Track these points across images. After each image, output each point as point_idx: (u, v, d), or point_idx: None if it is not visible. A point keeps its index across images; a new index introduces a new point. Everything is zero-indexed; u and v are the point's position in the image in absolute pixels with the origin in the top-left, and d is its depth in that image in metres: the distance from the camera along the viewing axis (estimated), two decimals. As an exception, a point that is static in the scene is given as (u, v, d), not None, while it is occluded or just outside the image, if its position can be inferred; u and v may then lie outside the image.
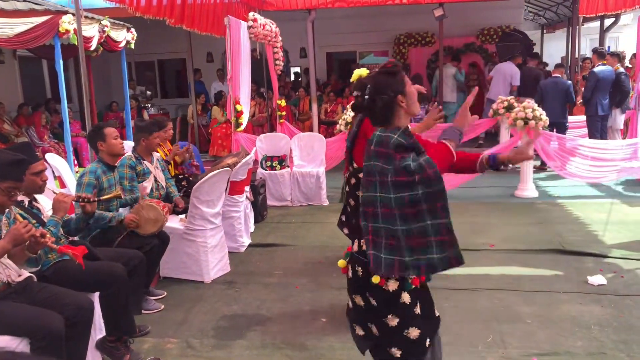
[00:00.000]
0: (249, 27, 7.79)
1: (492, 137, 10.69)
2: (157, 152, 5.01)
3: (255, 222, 6.28)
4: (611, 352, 3.36)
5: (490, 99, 9.76)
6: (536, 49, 14.19)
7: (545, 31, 16.44)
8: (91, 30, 7.31)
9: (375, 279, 2.19)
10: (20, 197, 3.15)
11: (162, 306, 4.24)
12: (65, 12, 6.77)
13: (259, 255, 5.40)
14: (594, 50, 8.96)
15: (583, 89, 8.85)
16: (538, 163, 8.26)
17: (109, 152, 4.03)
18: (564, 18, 14.18)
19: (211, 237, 4.71)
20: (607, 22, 11.55)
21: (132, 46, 9.10)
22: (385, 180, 2.08)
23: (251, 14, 8.01)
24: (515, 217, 6.31)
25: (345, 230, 2.95)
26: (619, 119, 8.53)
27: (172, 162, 5.46)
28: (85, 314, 2.96)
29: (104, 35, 7.78)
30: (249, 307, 4.23)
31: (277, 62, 9.29)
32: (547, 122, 6.99)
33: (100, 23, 7.65)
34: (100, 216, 3.85)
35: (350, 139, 2.60)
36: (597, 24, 11.91)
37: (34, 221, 3.10)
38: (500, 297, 4.20)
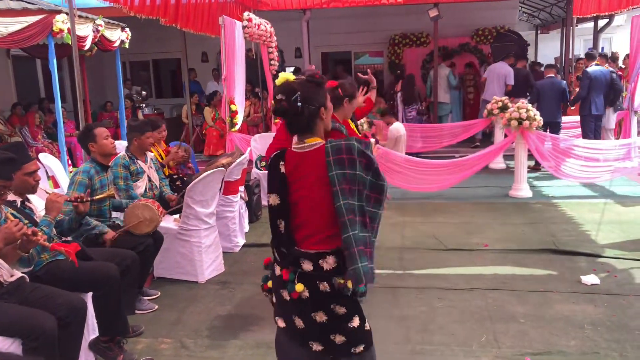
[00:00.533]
0: (244, 27, 7.79)
1: (487, 137, 10.74)
2: (151, 151, 4.99)
3: (250, 222, 6.27)
4: (604, 351, 3.37)
5: (485, 100, 9.80)
6: (530, 50, 14.26)
7: (539, 32, 16.51)
8: (85, 30, 7.29)
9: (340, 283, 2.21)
10: (12, 197, 3.13)
11: (156, 306, 4.23)
12: (59, 12, 6.75)
13: (253, 255, 5.39)
14: (585, 54, 9.08)
15: (578, 89, 8.90)
16: (532, 163, 8.29)
17: (101, 153, 4.01)
18: (558, 19, 14.25)
19: (205, 237, 4.70)
20: (601, 23, 11.62)
21: (127, 46, 9.08)
22: (354, 188, 2.11)
23: (246, 13, 8.01)
24: (509, 217, 6.32)
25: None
26: (611, 118, 8.58)
27: (167, 164, 5.45)
28: (78, 315, 2.95)
29: (98, 35, 7.76)
30: (243, 307, 4.22)
31: (272, 62, 9.29)
32: (541, 122, 7.02)
33: (95, 22, 7.63)
34: (86, 221, 3.82)
35: None
36: (591, 24, 11.97)
37: (26, 221, 3.08)
38: (493, 297, 4.20)
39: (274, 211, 2.28)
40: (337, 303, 2.23)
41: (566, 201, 6.89)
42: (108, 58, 11.04)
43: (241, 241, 5.63)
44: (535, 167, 8.50)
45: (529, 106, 7.05)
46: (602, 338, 3.52)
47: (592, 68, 8.38)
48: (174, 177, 5.56)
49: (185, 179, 5.59)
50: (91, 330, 3.44)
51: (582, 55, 11.88)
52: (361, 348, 2.29)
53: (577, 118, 8.65)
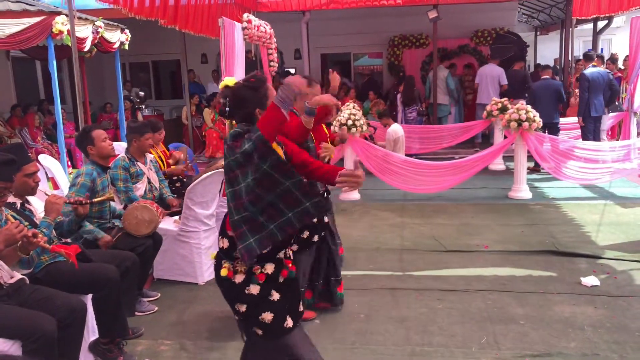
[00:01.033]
0: (244, 29, 7.78)
1: (486, 138, 10.74)
2: (151, 153, 4.99)
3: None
4: (604, 353, 3.37)
5: (481, 104, 9.82)
6: (530, 51, 14.27)
7: (538, 33, 16.52)
8: (85, 31, 7.29)
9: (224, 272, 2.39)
10: (12, 199, 3.13)
11: (156, 308, 4.22)
12: (59, 13, 6.75)
13: (253, 256, 5.37)
14: (583, 55, 9.10)
15: (577, 90, 8.91)
16: (532, 164, 8.29)
17: (100, 155, 3.99)
18: (558, 20, 14.27)
19: (205, 239, 4.69)
20: (600, 24, 11.64)
21: (126, 47, 9.08)
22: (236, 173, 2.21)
23: (245, 15, 8.01)
24: (509, 218, 6.32)
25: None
26: (605, 119, 8.58)
27: (166, 167, 5.45)
28: (77, 316, 2.95)
29: (98, 36, 7.76)
30: (243, 308, 4.21)
31: (272, 63, 9.28)
32: (541, 124, 7.03)
33: (94, 24, 7.62)
34: (83, 223, 3.80)
35: None
36: (590, 26, 11.99)
37: (26, 223, 3.08)
38: (493, 298, 4.20)
39: None
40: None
41: (566, 202, 6.89)
42: (108, 59, 11.03)
43: (241, 243, 5.62)
44: (535, 169, 8.50)
45: (529, 107, 7.06)
46: (602, 340, 3.52)
47: (590, 70, 8.39)
48: (174, 178, 5.56)
49: (185, 180, 5.59)
50: (91, 332, 3.44)
51: (582, 57, 11.92)
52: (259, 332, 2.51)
53: (576, 119, 8.65)
